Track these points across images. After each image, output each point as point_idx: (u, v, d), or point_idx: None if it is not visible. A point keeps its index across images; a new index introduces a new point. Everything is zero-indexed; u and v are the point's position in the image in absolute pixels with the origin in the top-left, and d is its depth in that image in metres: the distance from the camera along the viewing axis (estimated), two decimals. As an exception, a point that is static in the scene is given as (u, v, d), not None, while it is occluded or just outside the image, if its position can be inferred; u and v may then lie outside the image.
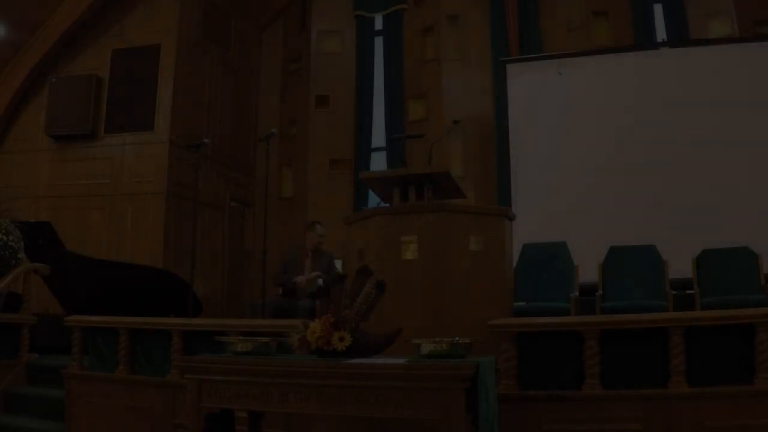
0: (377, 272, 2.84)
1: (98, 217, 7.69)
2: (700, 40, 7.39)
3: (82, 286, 6.04)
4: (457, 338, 2.59)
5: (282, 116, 9.47)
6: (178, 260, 7.20)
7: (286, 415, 3.37)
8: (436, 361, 2.48)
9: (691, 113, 6.97)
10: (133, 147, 7.73)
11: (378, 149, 8.91)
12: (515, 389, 3.25)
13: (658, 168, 6.93)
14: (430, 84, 8.65)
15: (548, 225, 6.66)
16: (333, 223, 5.96)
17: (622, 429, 3.06)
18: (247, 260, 8.85)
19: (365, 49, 9.13)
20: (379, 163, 8.83)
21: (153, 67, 7.78)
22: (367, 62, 9.08)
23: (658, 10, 7.82)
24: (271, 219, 7.43)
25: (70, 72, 8.04)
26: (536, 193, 7.31)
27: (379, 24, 9.21)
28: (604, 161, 7.14)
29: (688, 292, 5.53)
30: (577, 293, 5.49)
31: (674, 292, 5.41)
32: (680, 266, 5.73)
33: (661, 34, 7.76)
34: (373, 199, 6.20)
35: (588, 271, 5.83)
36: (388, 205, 4.31)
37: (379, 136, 8.91)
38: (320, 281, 5.71)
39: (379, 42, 9.16)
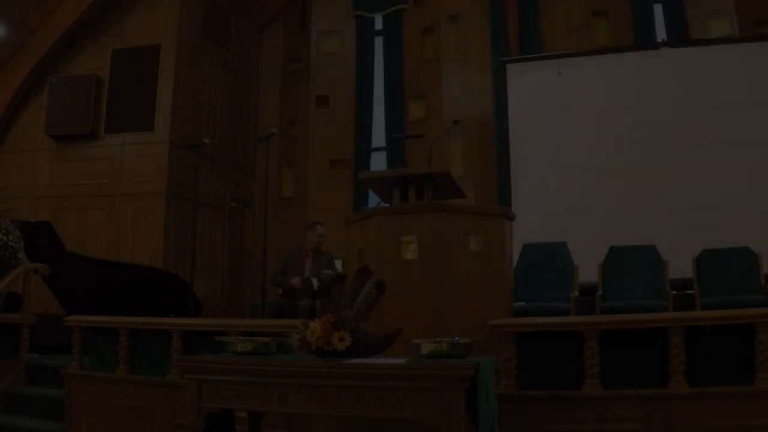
0: (377, 272, 2.84)
1: (98, 217, 7.69)
2: (700, 40, 7.39)
3: (82, 286, 6.04)
4: (457, 338, 2.59)
5: (282, 116, 9.47)
6: (178, 260, 7.20)
7: (286, 415, 3.37)
8: (436, 361, 2.48)
9: (691, 113, 6.97)
10: (133, 147, 7.73)
11: (378, 149, 8.91)
12: (515, 389, 3.25)
13: (658, 168, 6.93)
14: (430, 84, 8.64)
15: (548, 225, 6.66)
16: (333, 223, 5.96)
17: (622, 429, 3.06)
18: (247, 260, 8.85)
19: (365, 49, 9.13)
20: (379, 163, 8.83)
21: (153, 67, 7.78)
22: (367, 62, 9.08)
23: (658, 10, 7.82)
24: (271, 219, 7.43)
25: (70, 72, 8.04)
26: (536, 193, 7.31)
27: (379, 24, 9.20)
28: (604, 161, 7.14)
29: (688, 292, 5.53)
30: (577, 293, 5.49)
31: (674, 292, 5.41)
32: (680, 266, 5.73)
33: (661, 34, 7.75)
34: (373, 199, 6.20)
35: (588, 271, 5.84)
36: (388, 205, 4.31)
37: (379, 136, 8.91)
38: (315, 281, 5.73)
39: (379, 42, 9.16)
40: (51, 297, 6.29)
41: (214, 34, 8.58)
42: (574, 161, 7.24)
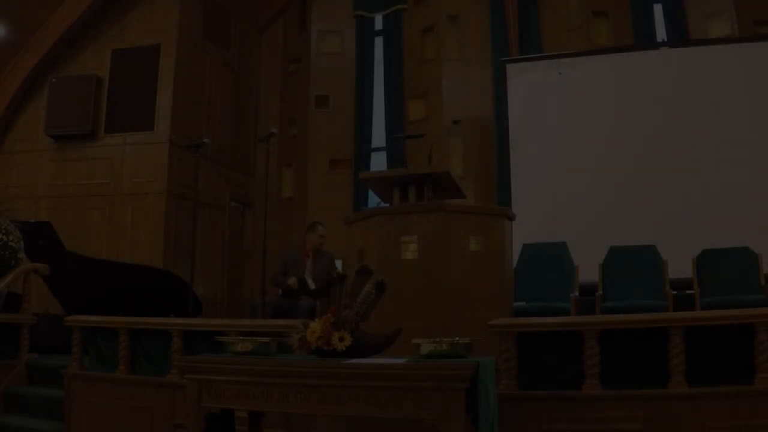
0: (377, 272, 2.84)
1: (98, 217, 7.69)
2: (700, 40, 7.39)
3: (82, 286, 6.03)
4: (457, 338, 2.59)
5: (282, 116, 9.47)
6: (178, 260, 7.20)
7: (286, 415, 3.37)
8: (436, 361, 2.48)
9: (691, 113, 6.97)
10: (133, 147, 7.74)
11: (378, 149, 8.91)
12: (515, 389, 3.25)
13: (658, 168, 6.93)
14: (430, 84, 8.64)
15: (548, 225, 6.66)
16: (333, 223, 5.96)
17: (622, 429, 3.06)
18: (247, 260, 8.85)
19: (365, 49, 9.13)
20: (379, 163, 8.83)
21: (153, 67, 7.79)
22: (367, 62, 9.07)
23: (658, 10, 7.81)
24: (271, 219, 7.42)
25: (70, 72, 8.05)
26: (536, 193, 7.31)
27: (379, 24, 9.20)
28: (604, 161, 7.14)
29: (688, 292, 5.53)
30: (577, 293, 5.49)
31: (674, 292, 5.40)
32: (680, 266, 5.72)
33: (661, 34, 7.75)
34: (373, 199, 6.21)
35: (588, 271, 5.83)
36: (388, 205, 4.31)
37: (379, 136, 8.91)
38: (311, 281, 5.74)
39: (379, 42, 9.16)
40: (51, 297, 6.29)
41: (214, 34, 8.58)
42: (574, 161, 7.24)
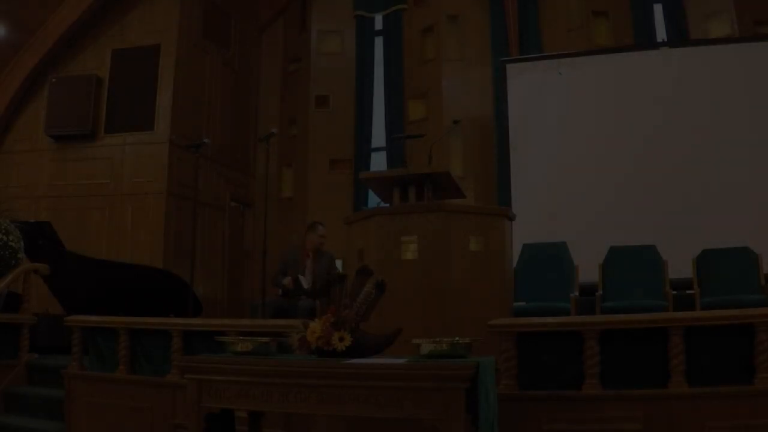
0: (377, 272, 2.84)
1: (98, 217, 7.69)
2: (700, 40, 7.38)
3: (82, 286, 6.03)
4: (457, 338, 2.59)
5: (282, 116, 9.47)
6: (178, 260, 7.20)
7: (286, 415, 3.37)
8: (436, 361, 2.48)
9: (691, 113, 6.97)
10: (133, 147, 7.74)
11: (378, 149, 8.91)
12: (515, 389, 3.25)
13: (658, 168, 6.93)
14: (430, 84, 8.64)
15: (548, 225, 6.66)
16: (333, 223, 5.96)
17: (622, 429, 3.06)
18: (247, 260, 8.85)
19: (365, 49, 9.13)
20: (379, 163, 8.83)
21: (153, 67, 7.79)
22: (367, 62, 9.08)
23: (658, 10, 7.81)
24: (271, 219, 7.44)
25: (70, 72, 8.05)
26: (536, 193, 7.31)
27: (379, 24, 9.20)
28: (604, 161, 7.13)
29: (688, 292, 5.53)
30: (577, 293, 5.49)
31: (674, 292, 5.40)
32: (680, 266, 5.72)
33: (661, 34, 7.75)
34: (373, 199, 6.21)
35: (588, 271, 5.83)
36: (388, 205, 4.31)
37: (379, 136, 8.91)
38: (304, 280, 5.75)
39: (379, 42, 9.16)
40: (51, 297, 6.29)
41: (214, 34, 8.58)
42: (574, 161, 7.24)
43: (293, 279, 5.79)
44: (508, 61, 7.97)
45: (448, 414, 2.32)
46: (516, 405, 3.16)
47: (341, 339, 2.60)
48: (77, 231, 7.35)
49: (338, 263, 6.21)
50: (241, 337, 2.95)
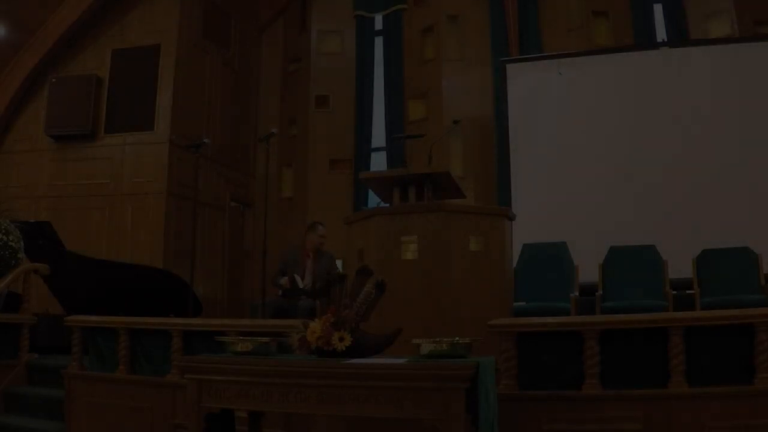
0: (377, 272, 2.84)
1: (98, 217, 7.69)
2: (700, 40, 7.38)
3: (82, 286, 6.03)
4: (457, 338, 2.59)
5: (282, 116, 9.47)
6: (178, 260, 7.20)
7: (286, 415, 3.37)
8: (436, 361, 2.48)
9: (691, 113, 6.97)
10: (133, 147, 7.74)
11: (378, 149, 8.91)
12: (515, 389, 3.25)
13: (658, 168, 6.93)
14: (430, 84, 8.64)
15: (548, 225, 6.66)
16: (333, 223, 5.96)
17: (622, 429, 3.06)
18: (247, 260, 8.85)
19: (365, 49, 9.13)
20: (379, 163, 8.84)
21: (153, 67, 7.79)
22: (367, 62, 9.08)
23: (658, 10, 7.81)
24: (271, 219, 7.44)
25: (70, 72, 8.05)
26: (536, 193, 7.31)
27: (379, 24, 9.20)
28: (604, 161, 7.13)
29: (688, 292, 5.53)
30: (577, 293, 5.49)
31: (674, 292, 5.40)
32: (680, 266, 5.73)
33: (661, 34, 7.75)
34: (373, 199, 6.21)
35: (588, 271, 5.84)
36: (388, 205, 4.31)
37: (379, 136, 8.91)
38: (299, 280, 5.75)
39: (379, 42, 9.16)
40: (51, 297, 6.29)
41: (214, 34, 8.58)
42: (574, 161, 7.24)
43: (290, 279, 5.80)
44: (508, 61, 7.97)
45: (448, 414, 2.33)
46: (516, 405, 3.16)
47: (341, 339, 2.60)
48: (77, 231, 7.35)
49: (338, 263, 6.21)
50: (241, 337, 2.95)
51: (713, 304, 4.80)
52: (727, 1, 7.42)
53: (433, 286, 3.64)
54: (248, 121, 9.33)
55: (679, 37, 7.53)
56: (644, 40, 7.65)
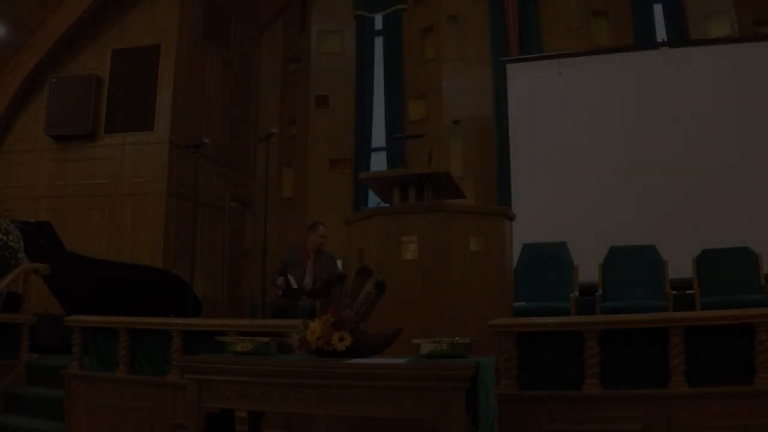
0: (377, 272, 2.84)
1: (98, 217, 7.69)
2: (700, 40, 7.38)
3: (82, 286, 6.04)
4: (457, 338, 2.59)
5: (282, 116, 9.47)
6: (178, 260, 7.20)
7: (286, 415, 3.37)
8: (436, 361, 2.48)
9: (691, 113, 6.97)
10: (133, 147, 7.74)
11: (378, 149, 8.91)
12: (515, 389, 3.25)
13: (658, 168, 6.93)
14: (430, 84, 8.65)
15: (548, 225, 6.66)
16: (333, 223, 5.96)
17: (622, 429, 3.06)
18: (247, 260, 8.85)
19: (365, 49, 9.13)
20: (379, 163, 8.84)
21: (153, 67, 7.79)
22: (367, 62, 9.08)
23: (658, 10, 7.81)
24: (271, 219, 7.43)
25: (70, 72, 8.05)
26: (536, 193, 7.31)
27: (379, 24, 9.21)
28: (604, 161, 7.13)
29: (688, 292, 5.53)
30: (577, 293, 5.49)
31: (674, 292, 5.40)
32: (680, 266, 5.73)
33: (661, 34, 7.75)
34: (373, 199, 6.21)
35: (588, 271, 5.84)
36: (388, 205, 4.31)
37: (379, 136, 8.91)
38: (292, 279, 5.76)
39: (379, 42, 9.16)
40: (51, 297, 6.29)
41: (214, 34, 8.58)
42: (574, 161, 7.24)
43: (284, 280, 5.81)
44: (508, 61, 7.97)
45: (448, 414, 2.33)
46: (516, 405, 3.16)
47: (341, 339, 2.60)
48: (77, 231, 7.35)
49: (338, 263, 6.21)
50: (241, 337, 2.95)
51: (713, 304, 4.80)
52: (727, 1, 7.42)
53: (433, 286, 3.64)
54: (248, 121, 9.33)
55: (679, 37, 7.53)
56: (644, 40, 7.65)
